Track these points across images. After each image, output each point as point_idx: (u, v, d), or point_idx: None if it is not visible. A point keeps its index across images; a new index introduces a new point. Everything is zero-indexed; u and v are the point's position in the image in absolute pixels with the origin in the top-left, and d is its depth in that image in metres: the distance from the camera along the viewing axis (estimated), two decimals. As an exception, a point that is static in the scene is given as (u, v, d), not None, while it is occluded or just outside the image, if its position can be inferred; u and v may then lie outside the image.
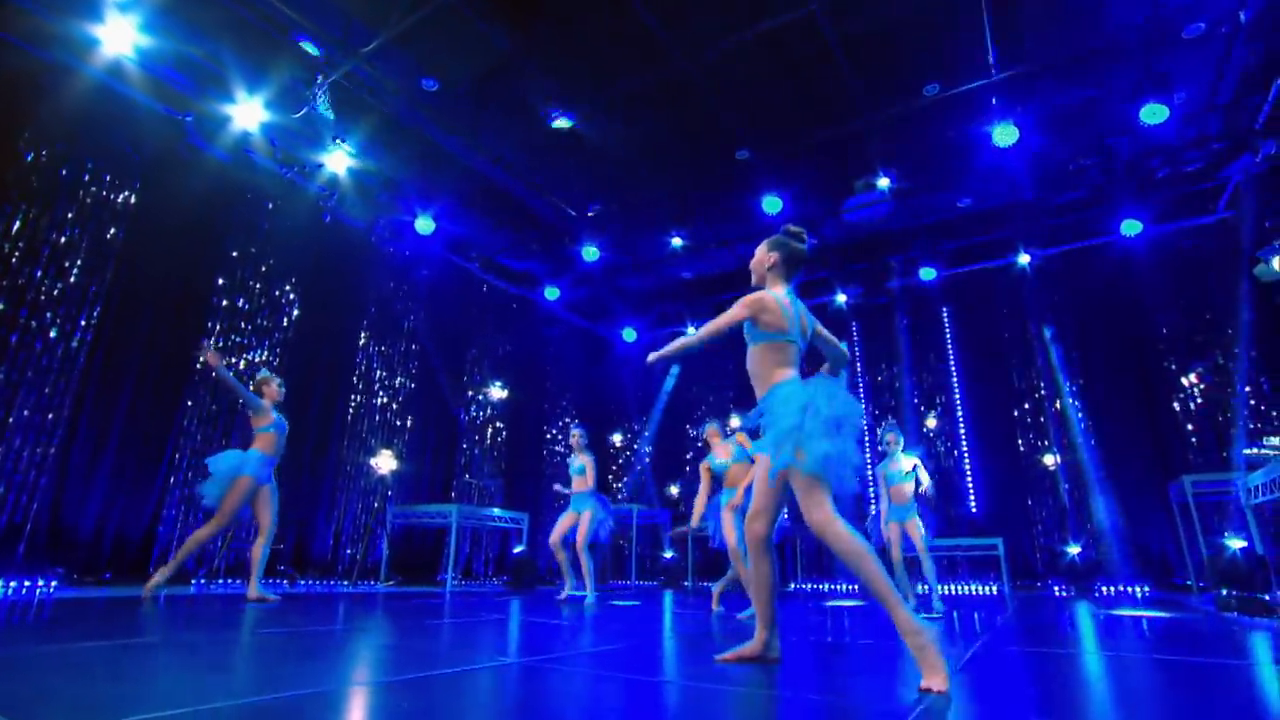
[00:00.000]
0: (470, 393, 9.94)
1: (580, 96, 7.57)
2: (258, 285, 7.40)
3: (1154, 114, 6.36)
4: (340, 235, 8.27)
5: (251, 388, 4.93)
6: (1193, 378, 7.87)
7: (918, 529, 5.12)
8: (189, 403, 6.76)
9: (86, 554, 5.89)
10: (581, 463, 6.27)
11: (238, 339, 7.15)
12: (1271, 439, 5.88)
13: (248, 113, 6.66)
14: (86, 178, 6.21)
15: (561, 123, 7.74)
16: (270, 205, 7.66)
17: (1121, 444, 8.31)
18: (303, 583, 7.28)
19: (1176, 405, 8.22)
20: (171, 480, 6.62)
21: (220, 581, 6.56)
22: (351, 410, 8.21)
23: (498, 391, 9.17)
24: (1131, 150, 6.96)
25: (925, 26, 6.60)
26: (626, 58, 7.10)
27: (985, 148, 7.18)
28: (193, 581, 6.66)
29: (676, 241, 8.98)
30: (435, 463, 9.21)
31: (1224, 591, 5.02)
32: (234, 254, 7.25)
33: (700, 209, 9.15)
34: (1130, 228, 8.22)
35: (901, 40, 6.72)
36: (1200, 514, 6.95)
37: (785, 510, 4.65)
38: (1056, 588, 8.21)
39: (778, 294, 2.41)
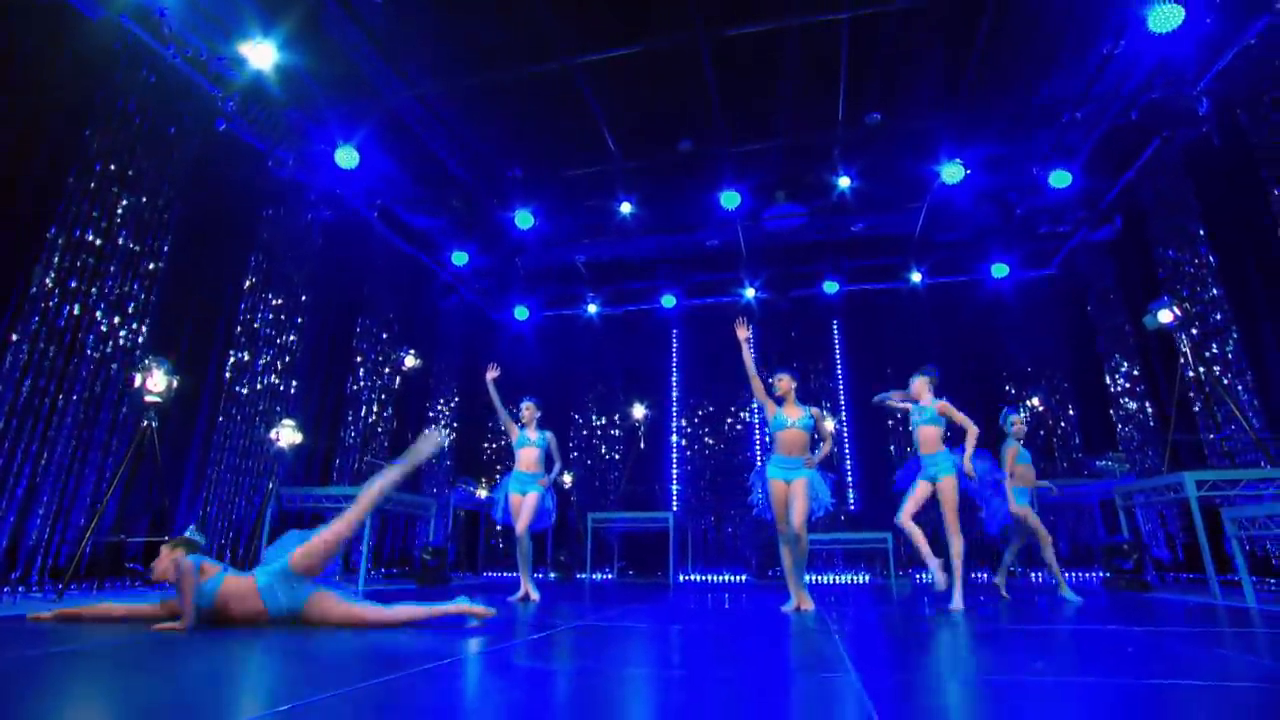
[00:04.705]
0: (358, 359, 8.55)
1: (554, 50, 6.90)
2: (125, 200, 5.58)
3: (1060, 179, 7.54)
4: (233, 152, 6.58)
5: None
6: (1034, 401, 9.52)
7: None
8: (13, 336, 4.90)
9: None
10: (536, 436, 5.73)
11: (90, 260, 5.33)
12: (1117, 454, 7.34)
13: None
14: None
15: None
16: (148, 92, 5.83)
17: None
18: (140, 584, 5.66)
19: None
20: (-23, 447, 4.75)
21: (47, 589, 4.83)
22: (230, 371, 6.57)
23: (411, 360, 7.98)
24: (1027, 206, 8.21)
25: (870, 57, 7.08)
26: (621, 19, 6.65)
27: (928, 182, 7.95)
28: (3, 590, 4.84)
29: (625, 208, 8.58)
30: (317, 438, 7.78)
31: (1108, 574, 6.16)
32: (94, 148, 5.38)
33: (640, 191, 8.87)
34: (999, 270, 9.70)
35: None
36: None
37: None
38: (918, 576, 9.39)
39: None
